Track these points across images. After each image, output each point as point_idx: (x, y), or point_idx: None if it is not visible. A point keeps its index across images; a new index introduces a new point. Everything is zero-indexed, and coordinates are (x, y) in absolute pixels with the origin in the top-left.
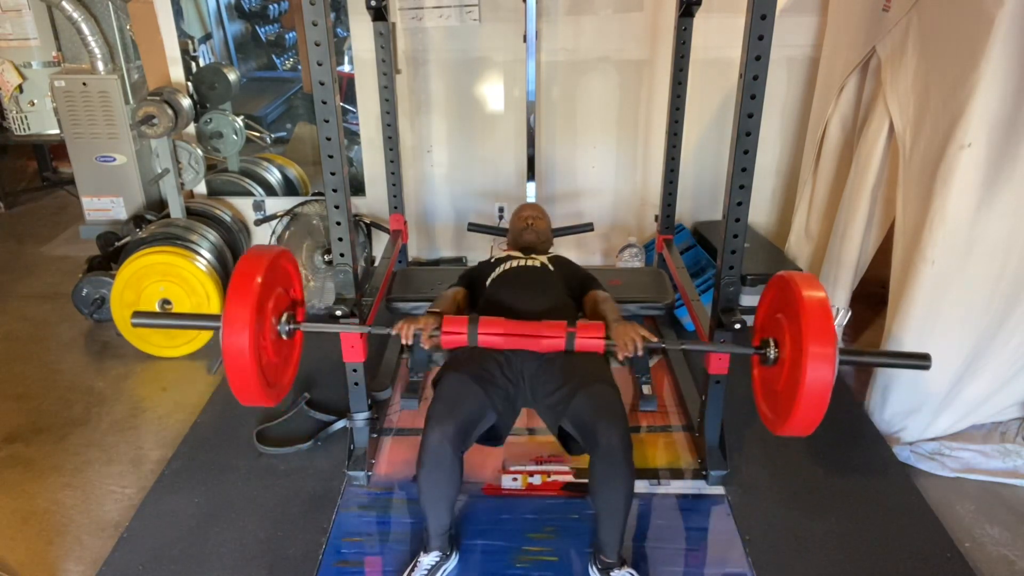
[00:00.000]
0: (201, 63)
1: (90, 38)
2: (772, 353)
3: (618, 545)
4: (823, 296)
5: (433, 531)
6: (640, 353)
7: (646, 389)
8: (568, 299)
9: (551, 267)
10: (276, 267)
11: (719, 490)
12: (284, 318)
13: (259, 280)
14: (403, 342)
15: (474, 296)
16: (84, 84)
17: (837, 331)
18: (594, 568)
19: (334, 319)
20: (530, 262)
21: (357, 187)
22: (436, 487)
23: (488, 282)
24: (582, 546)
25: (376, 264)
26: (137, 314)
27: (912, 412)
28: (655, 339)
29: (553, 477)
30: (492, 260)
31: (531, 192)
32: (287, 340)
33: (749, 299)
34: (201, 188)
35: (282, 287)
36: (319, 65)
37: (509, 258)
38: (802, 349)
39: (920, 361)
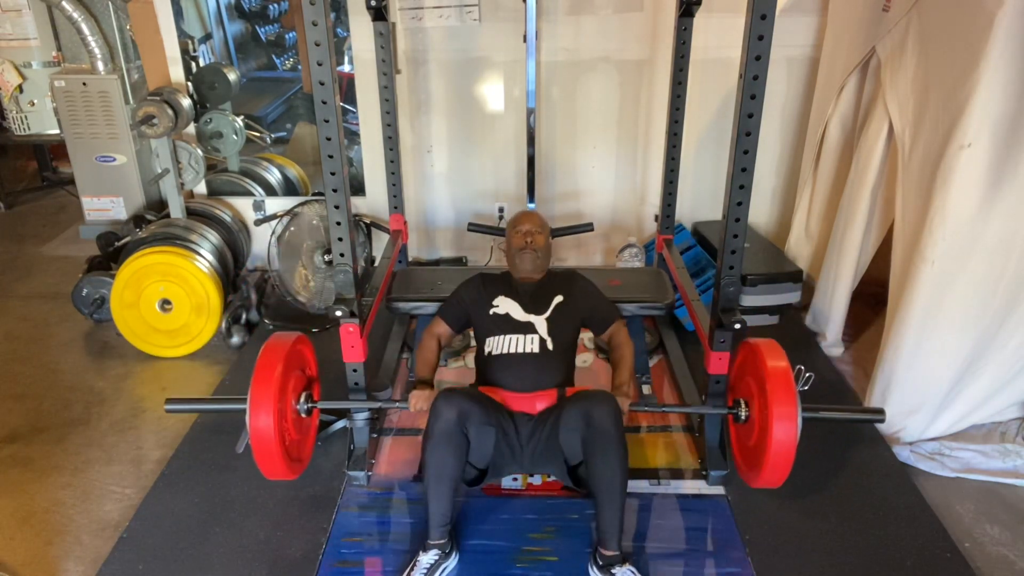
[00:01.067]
0: (201, 63)
1: (90, 38)
2: (743, 413)
3: (618, 534)
4: (785, 364)
5: (434, 520)
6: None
7: (646, 389)
8: (569, 376)
9: (550, 344)
10: (294, 352)
11: (719, 490)
12: (302, 398)
13: (279, 369)
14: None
15: (461, 326)
16: (84, 84)
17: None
18: (594, 568)
19: (336, 322)
20: (528, 344)
21: (357, 187)
22: (443, 462)
23: (486, 352)
24: (582, 546)
25: (376, 264)
26: (170, 401)
27: (912, 412)
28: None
29: (553, 477)
30: (490, 312)
31: (531, 208)
32: (306, 418)
33: (749, 299)
34: (201, 188)
35: (299, 369)
36: (319, 65)
37: (508, 321)
38: (768, 411)
39: (876, 415)
